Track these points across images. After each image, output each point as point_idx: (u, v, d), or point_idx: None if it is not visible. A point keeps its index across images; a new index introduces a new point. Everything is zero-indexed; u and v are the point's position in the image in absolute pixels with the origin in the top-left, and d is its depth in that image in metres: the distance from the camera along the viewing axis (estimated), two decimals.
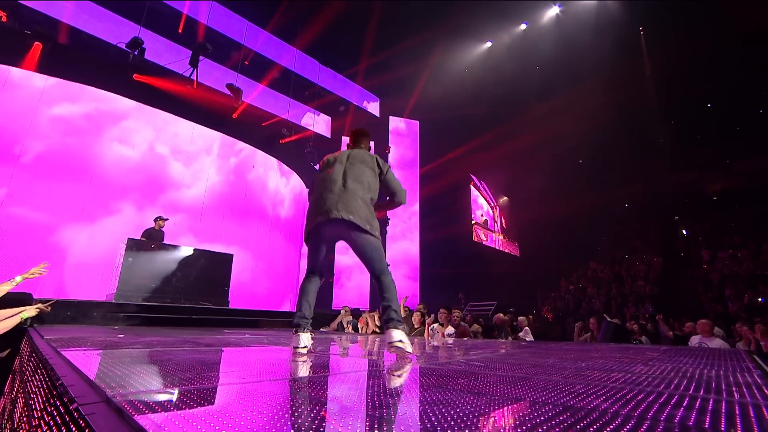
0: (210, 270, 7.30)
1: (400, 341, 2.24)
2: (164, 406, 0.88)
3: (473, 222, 16.17)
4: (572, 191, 17.15)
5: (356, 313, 7.87)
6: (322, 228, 2.50)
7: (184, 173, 9.60)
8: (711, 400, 1.17)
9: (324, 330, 7.16)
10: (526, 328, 7.70)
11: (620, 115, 15.36)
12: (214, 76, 10.54)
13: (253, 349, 2.65)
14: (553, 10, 13.84)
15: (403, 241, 14.40)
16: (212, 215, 9.80)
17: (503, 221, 18.19)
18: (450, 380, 1.49)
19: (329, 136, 13.73)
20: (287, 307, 10.95)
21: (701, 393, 1.31)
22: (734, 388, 1.44)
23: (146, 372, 1.40)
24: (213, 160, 10.23)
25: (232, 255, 7.75)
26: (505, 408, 1.04)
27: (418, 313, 5.69)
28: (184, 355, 2.04)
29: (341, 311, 7.53)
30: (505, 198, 18.64)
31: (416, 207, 14.68)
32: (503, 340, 5.57)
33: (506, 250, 17.58)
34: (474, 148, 15.75)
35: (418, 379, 1.59)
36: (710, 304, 9.60)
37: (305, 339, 2.43)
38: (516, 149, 16.50)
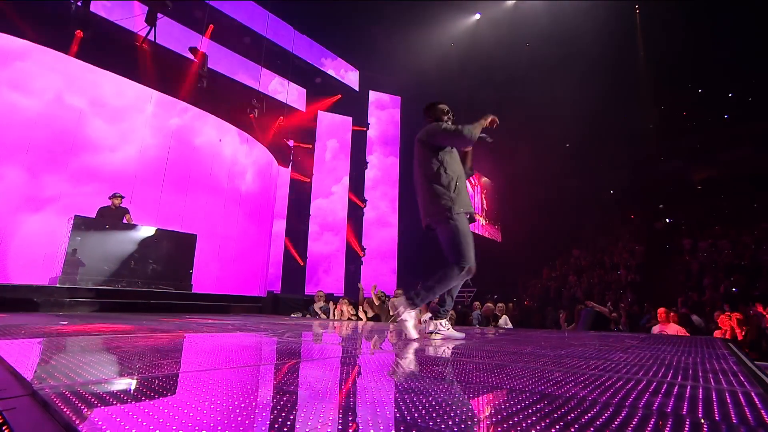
0: (171, 251, 7.10)
1: (404, 320, 2.66)
2: (103, 399, 0.83)
3: None
4: (558, 176, 17.48)
5: (330, 299, 7.88)
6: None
7: (106, 133, 8.36)
8: (688, 387, 1.21)
9: (295, 316, 7.14)
10: (505, 316, 7.94)
11: (610, 98, 15.63)
12: (174, 37, 10.04)
13: (216, 336, 2.60)
14: None
15: (381, 225, 14.43)
16: (147, 185, 8.82)
17: (485, 203, 18.43)
18: (425, 367, 1.49)
19: (304, 110, 13.42)
20: (256, 291, 10.84)
21: (679, 380, 1.35)
22: (710, 375, 1.50)
23: (88, 362, 1.33)
24: (147, 120, 9.13)
25: (195, 236, 7.56)
26: (481, 396, 1.04)
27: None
28: (135, 343, 1.97)
29: (315, 295, 7.53)
30: (487, 179, 18.82)
31: (395, 189, 14.67)
32: (479, 328, 5.70)
33: (487, 234, 17.86)
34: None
35: (392, 367, 1.59)
36: (688, 293, 10.11)
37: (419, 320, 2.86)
38: (501, 130, 16.55)
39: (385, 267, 13.97)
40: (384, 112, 15.27)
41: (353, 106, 14.36)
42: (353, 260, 13.66)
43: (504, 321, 7.80)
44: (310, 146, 13.41)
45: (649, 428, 0.77)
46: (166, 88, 9.51)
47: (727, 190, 15.40)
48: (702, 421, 0.84)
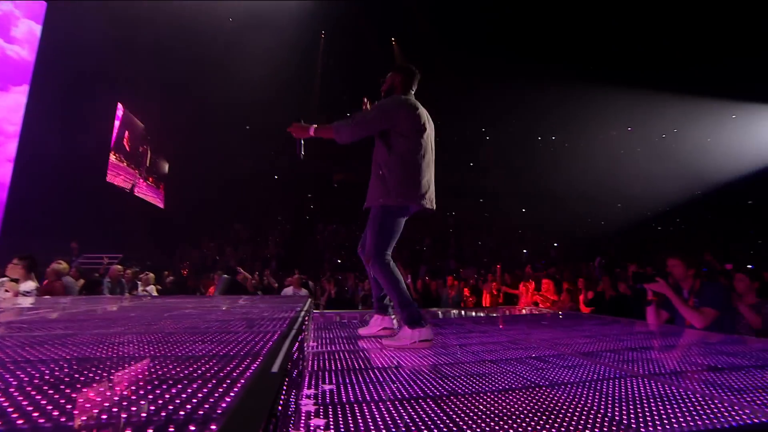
0: None
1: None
2: None
3: (112, 154, 13.39)
4: (233, 155, 17.59)
5: None
6: None
7: None
8: (242, 335, 1.55)
9: None
10: (151, 285, 7.52)
11: (291, 88, 16.98)
12: None
13: None
14: None
15: None
16: None
17: (148, 160, 15.84)
18: None
19: None
20: None
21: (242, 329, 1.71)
22: (274, 322, 1.97)
23: None
24: None
25: None
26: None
27: None
28: None
29: None
30: (144, 129, 16.08)
31: (15, 137, 10.23)
32: (109, 296, 5.11)
33: (146, 197, 15.58)
34: (128, 71, 13.20)
35: None
36: (322, 264, 12.89)
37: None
38: (186, 95, 15.31)
39: None
40: (15, 22, 10.56)
41: None
42: None
43: (151, 290, 7.35)
44: None
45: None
46: None
47: (356, 192, 20.16)
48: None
